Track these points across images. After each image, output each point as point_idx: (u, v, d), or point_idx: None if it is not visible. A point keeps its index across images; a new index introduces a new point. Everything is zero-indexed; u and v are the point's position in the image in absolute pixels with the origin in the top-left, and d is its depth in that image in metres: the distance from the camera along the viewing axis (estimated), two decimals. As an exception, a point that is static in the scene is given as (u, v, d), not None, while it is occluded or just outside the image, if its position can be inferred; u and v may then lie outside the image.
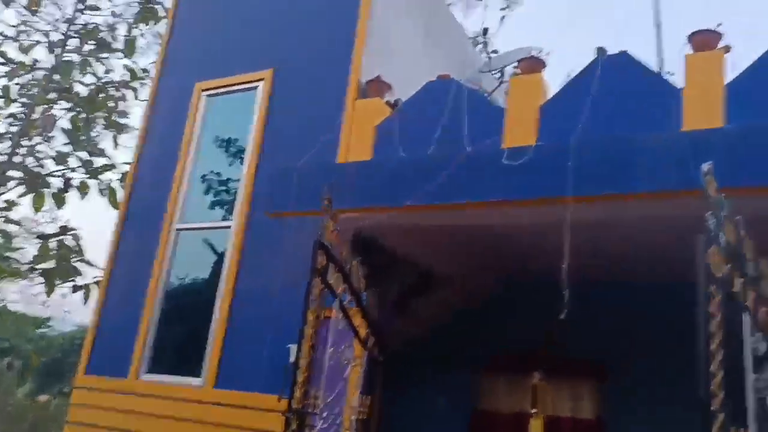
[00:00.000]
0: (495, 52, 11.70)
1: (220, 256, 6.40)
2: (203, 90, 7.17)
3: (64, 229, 11.69)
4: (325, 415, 4.36)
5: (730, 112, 4.39)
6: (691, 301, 3.16)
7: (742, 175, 3.83)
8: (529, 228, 5.85)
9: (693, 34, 4.81)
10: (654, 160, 4.06)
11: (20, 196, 11.60)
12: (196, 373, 6.02)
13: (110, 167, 11.04)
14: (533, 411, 7.72)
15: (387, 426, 7.63)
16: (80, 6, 12.14)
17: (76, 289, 10.27)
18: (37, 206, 11.25)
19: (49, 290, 10.71)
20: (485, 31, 10.62)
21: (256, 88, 6.78)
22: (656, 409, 6.57)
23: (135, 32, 12.23)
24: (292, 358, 5.04)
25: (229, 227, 6.42)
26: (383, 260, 7.48)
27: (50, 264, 10.34)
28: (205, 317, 6.20)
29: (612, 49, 5.26)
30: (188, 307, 6.61)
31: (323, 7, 6.77)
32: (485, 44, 10.73)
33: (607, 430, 7.61)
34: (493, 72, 8.96)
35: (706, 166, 3.27)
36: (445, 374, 8.46)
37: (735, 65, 4.69)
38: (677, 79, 4.81)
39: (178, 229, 6.77)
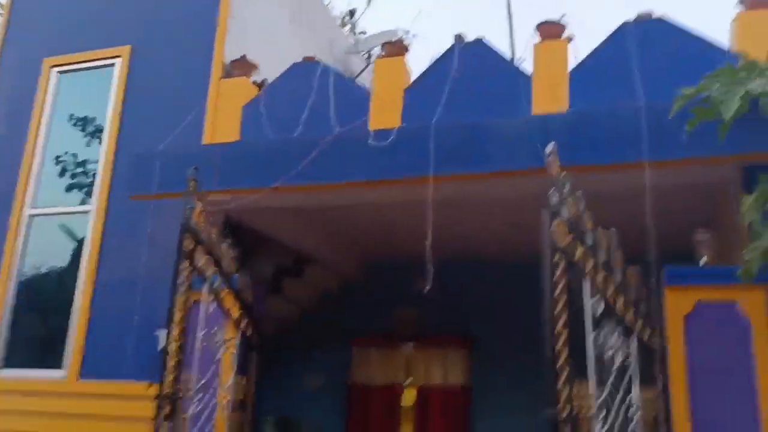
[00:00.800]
0: (363, 33, 11.86)
1: (79, 243, 6.09)
2: (53, 66, 6.71)
3: None
4: (199, 397, 4.34)
5: (573, 97, 4.82)
6: (542, 273, 3.48)
7: (581, 154, 4.23)
8: (394, 209, 6.10)
9: (540, 24, 5.20)
10: (505, 142, 4.39)
11: None
12: (57, 365, 5.73)
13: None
14: (407, 381, 8.10)
15: (264, 407, 7.69)
16: None
17: None
18: None
19: None
20: (352, 12, 10.73)
21: (112, 65, 6.46)
22: (516, 374, 7.09)
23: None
24: (160, 345, 4.97)
25: (87, 212, 6.11)
26: (254, 242, 7.48)
27: None
28: (65, 307, 5.90)
29: (471, 35, 5.55)
30: (46, 297, 6.25)
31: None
32: (352, 25, 10.84)
33: (473, 394, 8.15)
34: (361, 53, 9.10)
35: (549, 147, 3.59)
36: (319, 353, 8.63)
37: (577, 54, 5.14)
38: (528, 66, 5.18)
39: (30, 215, 6.34)
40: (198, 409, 4.33)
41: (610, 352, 3.73)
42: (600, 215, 3.87)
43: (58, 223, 6.32)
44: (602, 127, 4.27)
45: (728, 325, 3.98)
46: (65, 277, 6.09)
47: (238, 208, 5.73)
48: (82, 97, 6.66)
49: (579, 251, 3.68)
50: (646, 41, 4.74)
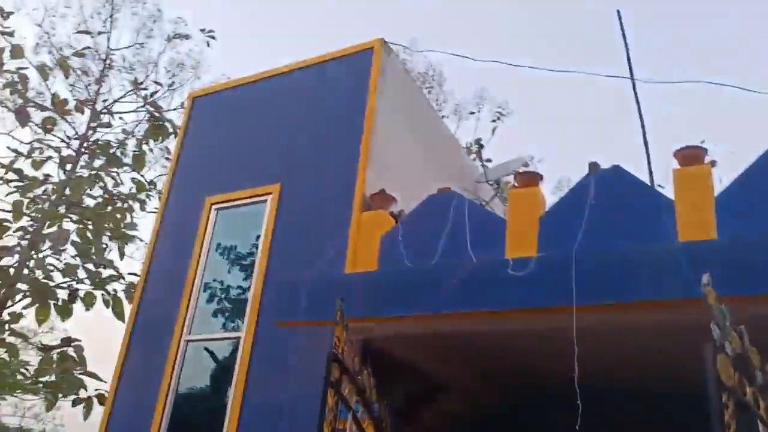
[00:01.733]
0: (489, 160, 12.22)
1: (229, 368, 6.42)
2: (213, 204, 7.44)
3: (67, 341, 11.65)
4: None
5: (721, 224, 4.64)
6: (703, 410, 3.24)
7: (737, 284, 4.02)
8: (532, 337, 5.97)
9: (679, 150, 5.15)
10: (652, 270, 4.26)
11: (25, 308, 11.64)
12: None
13: (116, 278, 11.17)
14: None
15: None
16: (93, 124, 12.71)
17: (76, 402, 10.11)
18: (41, 318, 11.26)
19: (49, 406, 10.53)
20: (478, 141, 11.14)
21: (264, 201, 7.06)
22: None
23: (144, 148, 12.74)
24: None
25: (238, 338, 6.49)
26: (393, 369, 7.52)
27: (51, 377, 10.23)
28: (216, 430, 6.15)
29: (596, 156, 5.57)
30: (198, 421, 6.55)
31: (329, 123, 7.18)
32: (479, 154, 11.22)
33: None
34: (489, 182, 9.34)
35: (705, 277, 3.46)
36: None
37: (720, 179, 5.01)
38: (667, 192, 5.10)
39: (187, 341, 6.82)
40: None
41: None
42: (763, 351, 3.60)
43: (210, 348, 6.74)
44: (759, 254, 4.06)
45: None
46: (216, 401, 6.40)
47: (378, 336, 5.88)
48: (235, 232, 7.27)
49: (749, 391, 3.41)
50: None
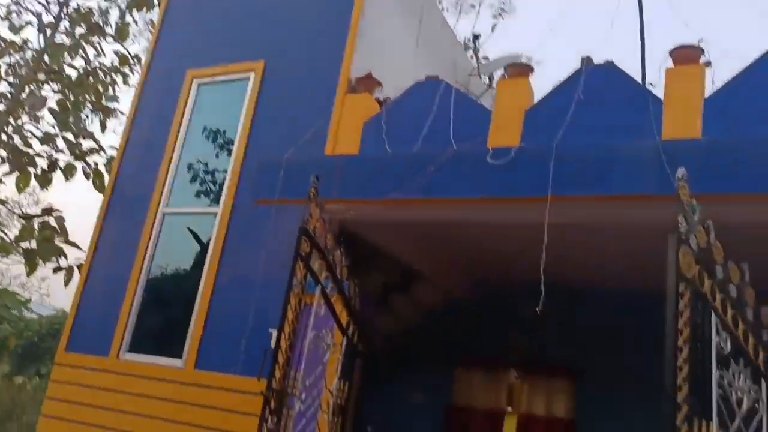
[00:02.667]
0: (486, 58, 11.89)
1: (205, 242, 6.47)
2: (195, 77, 7.23)
3: (48, 210, 11.64)
4: (303, 397, 4.46)
5: (707, 125, 4.57)
6: (662, 304, 3.30)
7: (714, 183, 4.01)
8: (508, 230, 6.01)
9: (675, 48, 4.99)
10: (631, 166, 4.23)
11: (5, 174, 11.54)
12: (176, 354, 6.09)
13: (97, 150, 11.03)
14: (509, 409, 7.90)
15: (364, 415, 7.76)
16: (74, -11, 12.12)
17: (57, 270, 10.23)
18: (22, 186, 11.19)
19: (30, 270, 10.66)
20: (476, 36, 10.79)
21: (247, 79, 6.87)
22: (627, 410, 6.75)
23: (127, 18, 12.24)
24: (272, 343, 5.17)
25: (215, 214, 6.49)
26: (367, 254, 7.62)
27: (33, 244, 10.30)
28: (189, 300, 6.28)
29: (597, 57, 5.42)
30: (172, 290, 6.67)
31: (317, 2, 6.88)
32: (476, 49, 10.90)
33: (579, 429, 7.81)
34: (483, 76, 9.12)
35: (680, 172, 3.44)
36: (422, 370, 8.60)
37: (714, 81, 4.89)
38: (658, 91, 4.98)
39: (164, 214, 6.83)
40: (302, 408, 4.44)
41: (736, 395, 3.48)
42: (732, 250, 3.65)
43: (186, 222, 6.75)
44: (739, 156, 4.02)
45: None
46: (190, 273, 6.49)
47: (354, 219, 5.88)
48: (216, 107, 7.12)
49: (707, 284, 3.47)
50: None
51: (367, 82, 6.20)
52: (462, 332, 8.52)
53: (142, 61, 12.63)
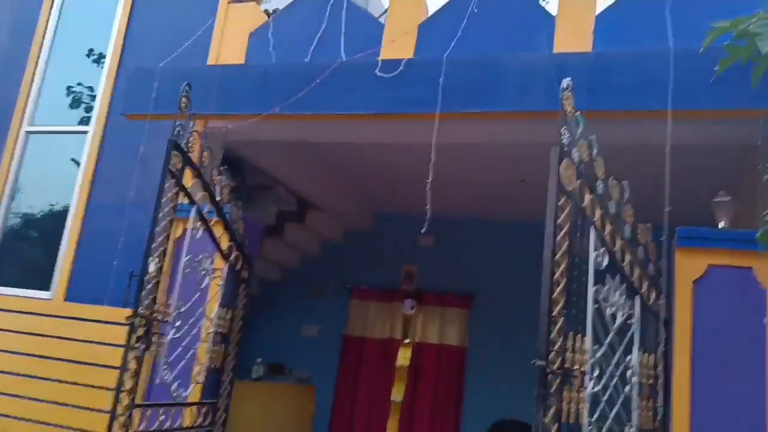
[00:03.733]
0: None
1: (75, 163, 5.91)
2: (59, -19, 6.46)
3: None
4: (178, 324, 4.17)
5: (598, 41, 4.49)
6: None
7: (601, 99, 3.94)
8: (399, 152, 5.84)
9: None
10: (520, 80, 4.09)
11: None
12: (45, 286, 5.61)
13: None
14: (405, 341, 7.95)
15: (258, 351, 7.59)
16: None
17: None
18: None
19: None
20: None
21: (121, -18, 6.19)
22: (520, 333, 6.91)
23: None
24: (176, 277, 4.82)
25: (85, 132, 5.92)
26: (259, 183, 7.29)
27: None
28: (57, 228, 5.76)
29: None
30: (39, 218, 6.10)
31: None
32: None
33: (469, 354, 7.99)
34: (382, -3, 8.73)
35: (565, 82, 3.31)
36: (317, 301, 8.51)
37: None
38: (552, 8, 4.85)
39: (27, 132, 6.17)
40: (177, 335, 4.17)
41: (611, 310, 3.50)
42: (615, 167, 3.61)
43: (55, 142, 6.15)
44: (625, 71, 3.96)
45: (741, 293, 3.71)
46: (59, 198, 5.94)
47: (237, 139, 5.52)
48: (86, 16, 6.41)
49: (587, 198, 3.41)
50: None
51: (253, -9, 5.72)
52: (358, 264, 8.45)
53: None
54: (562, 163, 3.23)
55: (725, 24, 3.12)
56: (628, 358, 3.59)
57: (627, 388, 3.54)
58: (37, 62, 6.32)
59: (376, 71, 4.38)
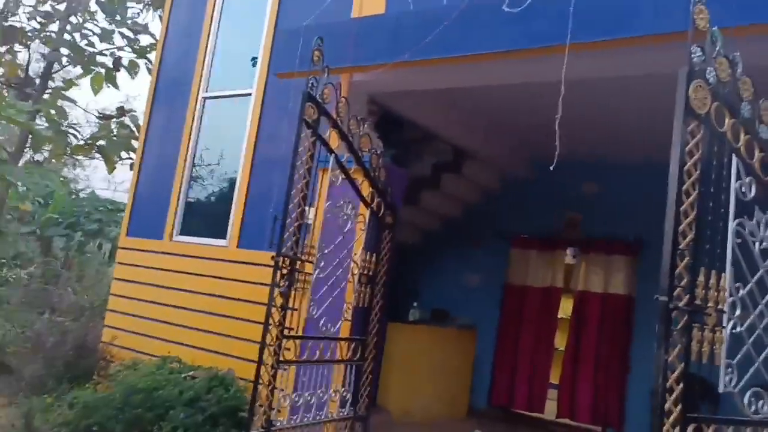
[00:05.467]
0: None
1: (242, 124, 6.49)
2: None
3: (122, 110, 12.12)
4: (322, 264, 4.48)
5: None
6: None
7: (751, 11, 3.49)
8: (546, 96, 5.60)
9: None
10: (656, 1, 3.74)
11: (79, 77, 11.97)
12: (221, 235, 6.30)
13: (155, 46, 11.17)
14: (567, 290, 7.73)
15: (423, 299, 7.87)
16: None
17: (132, 166, 10.76)
18: (96, 87, 11.61)
19: (110, 167, 11.26)
20: None
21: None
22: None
23: None
24: (309, 218, 5.21)
25: (249, 94, 6.46)
26: (415, 137, 7.45)
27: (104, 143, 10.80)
28: (230, 183, 6.42)
29: None
30: (215, 175, 6.83)
31: None
32: None
33: (637, 305, 7.58)
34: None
35: (696, -7, 2.98)
36: (478, 251, 8.54)
37: None
38: None
39: (204, 98, 6.88)
40: (322, 275, 4.48)
41: (761, 245, 3.15)
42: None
43: (226, 105, 6.78)
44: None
45: None
46: (231, 156, 6.59)
47: (381, 90, 5.69)
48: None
49: (728, 122, 3.08)
50: None
51: (392, -58, 5.77)
52: (519, 213, 8.31)
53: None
54: (692, 84, 2.94)
55: None
56: (782, 299, 3.23)
57: (782, 333, 3.20)
58: (208, 34, 6.97)
59: (504, 7, 4.25)
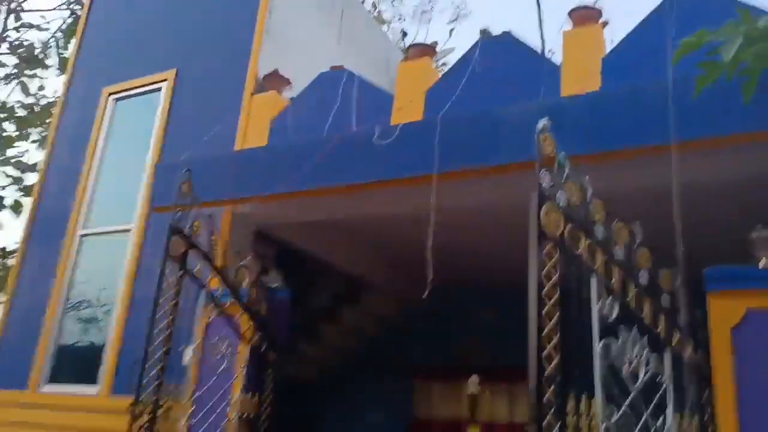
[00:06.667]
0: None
1: (120, 262, 6.17)
2: (110, 94, 7.01)
3: (4, 251, 11.45)
4: (195, 409, 4.12)
5: (605, 85, 4.27)
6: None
7: (601, 140, 3.70)
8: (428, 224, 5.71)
9: (573, 9, 4.73)
10: (515, 131, 3.92)
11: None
12: (93, 381, 5.76)
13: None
14: (472, 421, 7.50)
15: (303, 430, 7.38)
16: (14, 23, 12.02)
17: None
18: (-25, 228, 11.00)
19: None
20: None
21: (159, 89, 6.63)
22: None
23: (69, 47, 12.10)
24: (185, 360, 4.85)
25: (129, 230, 6.21)
26: (313, 270, 7.33)
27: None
28: (104, 324, 5.98)
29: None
30: (89, 315, 6.36)
31: (225, 5, 6.68)
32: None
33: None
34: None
35: (541, 123, 3.12)
36: (380, 384, 8.22)
37: (614, 41, 4.61)
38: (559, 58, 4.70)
39: (81, 235, 6.55)
40: (193, 420, 4.10)
41: (629, 367, 3.12)
42: (630, 214, 3.30)
43: (104, 244, 6.47)
44: (623, 109, 3.71)
45: (787, 338, 3.23)
46: (106, 296, 6.19)
47: (266, 221, 5.60)
48: (132, 122, 6.88)
49: (583, 244, 3.13)
50: (686, 19, 4.12)
51: (274, 81, 5.96)
52: (419, 342, 8.17)
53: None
54: (544, 206, 2.99)
55: (691, 39, 2.86)
56: (660, 421, 3.16)
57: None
58: (89, 168, 6.78)
59: (373, 140, 4.34)
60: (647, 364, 3.19)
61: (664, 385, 3.25)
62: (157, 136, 6.43)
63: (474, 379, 8.16)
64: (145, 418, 3.67)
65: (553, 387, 2.77)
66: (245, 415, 4.57)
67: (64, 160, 7.15)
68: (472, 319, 7.85)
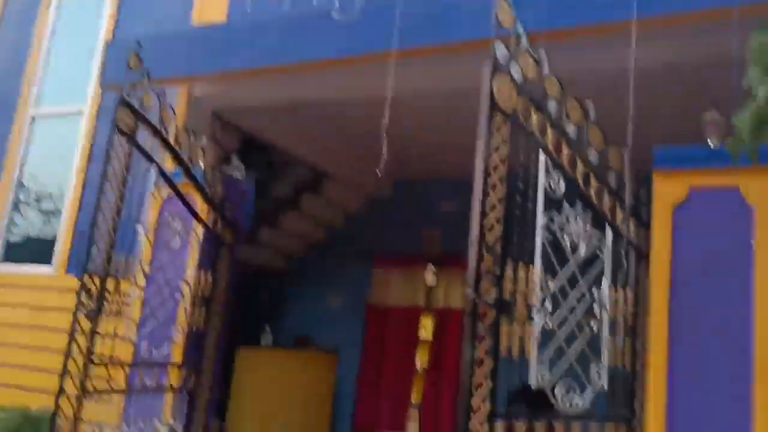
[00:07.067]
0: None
1: (74, 143, 6.02)
2: (58, -35, 6.59)
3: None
4: (147, 285, 4.15)
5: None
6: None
7: (562, 17, 3.61)
8: (398, 114, 5.62)
9: None
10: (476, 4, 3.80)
11: None
12: (48, 261, 5.75)
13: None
14: (427, 309, 7.74)
15: (284, 324, 7.59)
16: None
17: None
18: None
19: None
20: None
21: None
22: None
23: None
24: (139, 238, 4.83)
25: (82, 112, 6.02)
26: (278, 160, 7.27)
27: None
28: (59, 206, 5.90)
29: None
30: (43, 196, 6.27)
31: None
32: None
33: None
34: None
35: (498, -7, 3.02)
36: (340, 272, 8.39)
37: None
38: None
39: (32, 116, 6.33)
40: (149, 296, 4.15)
41: (570, 240, 3.19)
42: (601, 92, 3.26)
43: (57, 124, 6.28)
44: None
45: (727, 216, 3.32)
46: (60, 177, 6.08)
47: (222, 107, 5.47)
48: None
49: (535, 118, 3.12)
50: None
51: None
52: (380, 232, 8.26)
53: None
54: (495, 77, 2.96)
55: None
56: (596, 293, 3.28)
57: (598, 326, 3.23)
58: (39, 46, 6.47)
59: (332, 13, 4.17)
60: (589, 240, 3.27)
61: (603, 261, 3.35)
62: (110, 13, 6.11)
63: (430, 268, 8.38)
64: (94, 290, 3.68)
65: (493, 255, 2.84)
66: (200, 292, 4.63)
67: (10, 39, 6.79)
68: (435, 209, 7.92)
